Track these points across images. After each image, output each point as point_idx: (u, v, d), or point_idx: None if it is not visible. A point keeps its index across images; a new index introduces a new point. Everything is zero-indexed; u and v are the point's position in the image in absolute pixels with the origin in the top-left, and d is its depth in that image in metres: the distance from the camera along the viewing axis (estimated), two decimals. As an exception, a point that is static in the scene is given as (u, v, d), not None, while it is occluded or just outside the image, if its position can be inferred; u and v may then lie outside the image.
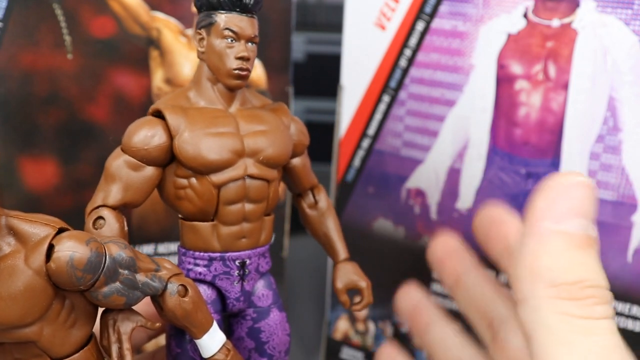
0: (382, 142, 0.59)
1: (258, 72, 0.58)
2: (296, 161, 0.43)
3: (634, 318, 0.51)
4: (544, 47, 0.51)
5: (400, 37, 0.56)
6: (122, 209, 0.38)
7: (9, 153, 0.52)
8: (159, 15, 0.54)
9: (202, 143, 0.37)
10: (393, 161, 0.59)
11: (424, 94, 0.56)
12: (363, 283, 0.44)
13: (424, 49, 0.56)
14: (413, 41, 0.56)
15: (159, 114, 0.38)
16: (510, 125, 0.53)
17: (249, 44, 0.39)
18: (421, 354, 0.61)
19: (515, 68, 0.52)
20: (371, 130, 0.59)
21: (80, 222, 0.56)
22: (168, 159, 0.38)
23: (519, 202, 0.54)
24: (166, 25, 0.55)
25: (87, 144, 0.54)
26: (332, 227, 0.45)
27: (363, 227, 0.61)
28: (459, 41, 0.54)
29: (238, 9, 0.38)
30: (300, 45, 1.01)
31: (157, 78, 0.55)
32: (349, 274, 0.44)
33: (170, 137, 0.37)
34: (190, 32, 0.55)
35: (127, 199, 0.37)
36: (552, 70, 0.51)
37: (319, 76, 0.96)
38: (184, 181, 0.38)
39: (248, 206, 0.39)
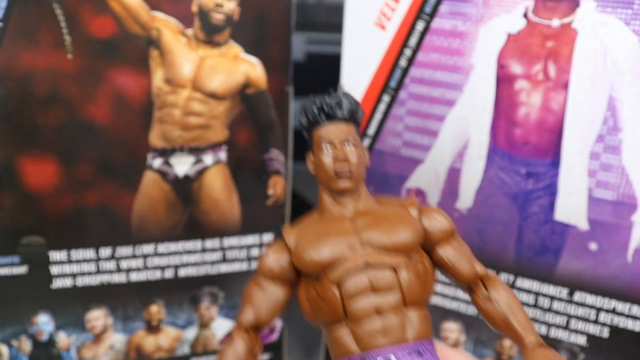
0: (382, 142, 0.59)
1: (258, 72, 0.58)
2: (444, 252, 0.41)
3: (634, 318, 0.51)
4: (544, 47, 0.51)
5: (400, 37, 0.56)
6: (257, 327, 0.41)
7: (9, 153, 0.52)
8: (159, 15, 0.54)
9: (312, 245, 0.39)
10: (393, 161, 0.59)
11: (424, 94, 0.56)
12: None
13: (424, 49, 0.56)
14: (413, 41, 0.56)
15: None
16: (510, 125, 0.53)
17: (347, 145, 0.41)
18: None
19: (515, 68, 0.52)
20: (371, 130, 0.59)
21: (80, 223, 0.56)
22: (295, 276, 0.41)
23: (519, 202, 0.54)
24: (166, 25, 0.55)
25: (87, 144, 0.54)
26: (510, 313, 0.39)
27: (363, 227, 0.61)
28: (459, 41, 0.54)
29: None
30: (300, 45, 1.01)
31: (157, 78, 0.55)
32: None
33: (290, 252, 0.40)
34: (190, 32, 0.55)
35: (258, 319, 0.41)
36: (552, 70, 0.51)
37: (319, 76, 0.96)
38: (311, 291, 0.39)
39: (377, 299, 0.38)
